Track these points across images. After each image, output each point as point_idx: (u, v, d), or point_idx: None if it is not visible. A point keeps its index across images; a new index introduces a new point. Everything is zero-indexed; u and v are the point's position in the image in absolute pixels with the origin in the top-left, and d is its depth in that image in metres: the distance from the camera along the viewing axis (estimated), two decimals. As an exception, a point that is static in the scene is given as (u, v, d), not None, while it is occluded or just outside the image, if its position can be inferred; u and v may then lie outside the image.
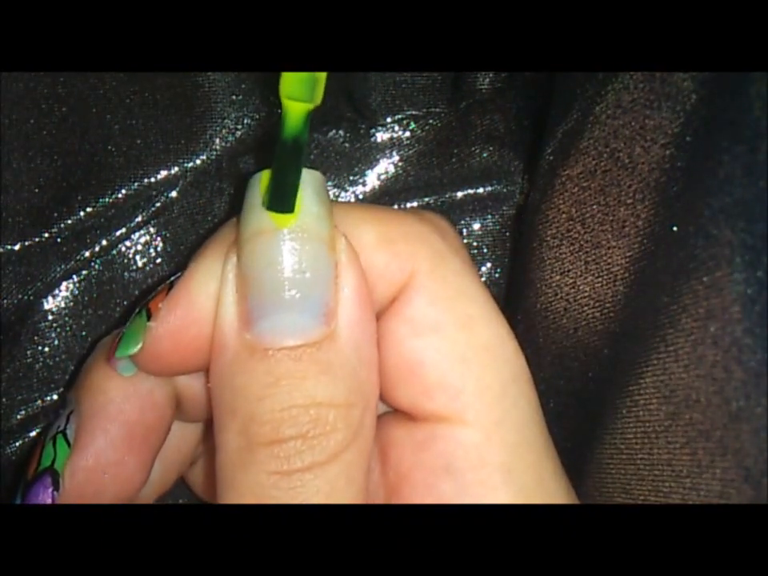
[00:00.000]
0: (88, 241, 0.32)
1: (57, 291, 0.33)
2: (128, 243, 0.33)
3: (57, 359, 0.33)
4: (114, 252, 0.33)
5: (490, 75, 0.33)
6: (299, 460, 0.21)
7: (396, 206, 0.34)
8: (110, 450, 0.25)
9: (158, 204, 0.33)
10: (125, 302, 0.33)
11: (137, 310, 0.25)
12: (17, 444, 0.33)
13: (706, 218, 0.22)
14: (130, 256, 0.33)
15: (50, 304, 0.33)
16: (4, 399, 0.33)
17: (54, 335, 0.33)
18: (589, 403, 0.28)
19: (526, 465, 0.23)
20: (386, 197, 0.34)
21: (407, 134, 0.34)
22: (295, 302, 0.22)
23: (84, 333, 0.33)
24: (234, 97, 0.32)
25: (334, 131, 0.34)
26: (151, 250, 0.33)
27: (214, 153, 0.33)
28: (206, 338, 0.23)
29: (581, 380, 0.28)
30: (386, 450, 0.24)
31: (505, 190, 0.34)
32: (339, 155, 0.34)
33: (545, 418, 0.24)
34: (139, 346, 0.24)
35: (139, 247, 0.33)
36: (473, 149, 0.34)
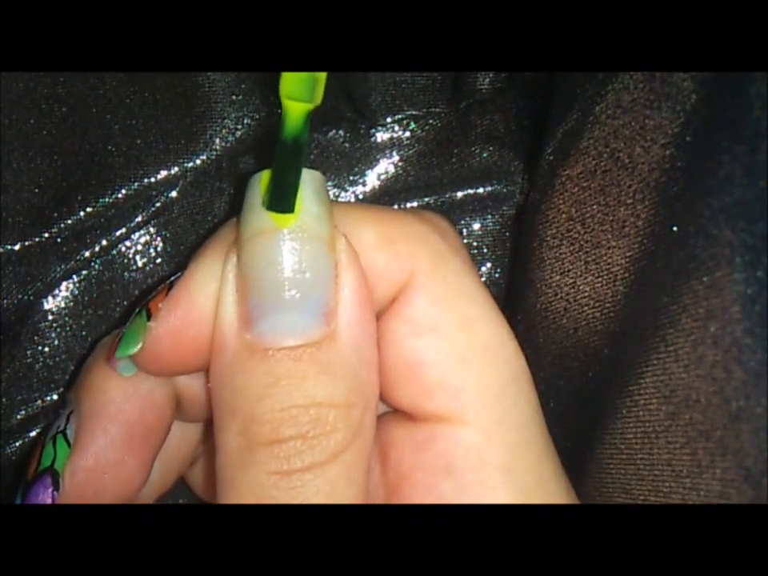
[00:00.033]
0: (88, 241, 0.32)
1: (57, 291, 0.33)
2: (128, 243, 0.33)
3: (57, 359, 0.33)
4: (114, 252, 0.33)
5: (490, 75, 0.33)
6: (299, 460, 0.21)
7: (396, 206, 0.34)
8: (110, 450, 0.25)
9: (158, 204, 0.33)
10: (125, 302, 0.33)
11: (137, 310, 0.25)
12: (17, 444, 0.33)
13: (706, 218, 0.22)
14: (130, 256, 0.33)
15: (49, 304, 0.33)
16: (4, 399, 0.33)
17: (54, 335, 0.33)
18: (589, 403, 0.28)
19: (526, 465, 0.23)
20: (386, 197, 0.34)
21: (407, 133, 0.34)
22: (295, 301, 0.22)
23: (84, 333, 0.33)
24: (233, 97, 0.32)
25: (333, 131, 0.34)
26: (151, 250, 0.33)
27: (214, 153, 0.33)
28: (206, 337, 0.23)
29: (581, 380, 0.28)
30: (386, 450, 0.24)
31: (505, 190, 0.34)
32: (339, 155, 0.34)
33: (545, 417, 0.24)
34: (139, 346, 0.24)
35: (139, 247, 0.33)
36: (473, 149, 0.34)
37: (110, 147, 0.32)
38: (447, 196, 0.34)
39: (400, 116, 0.33)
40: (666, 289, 0.23)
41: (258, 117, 0.33)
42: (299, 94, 0.20)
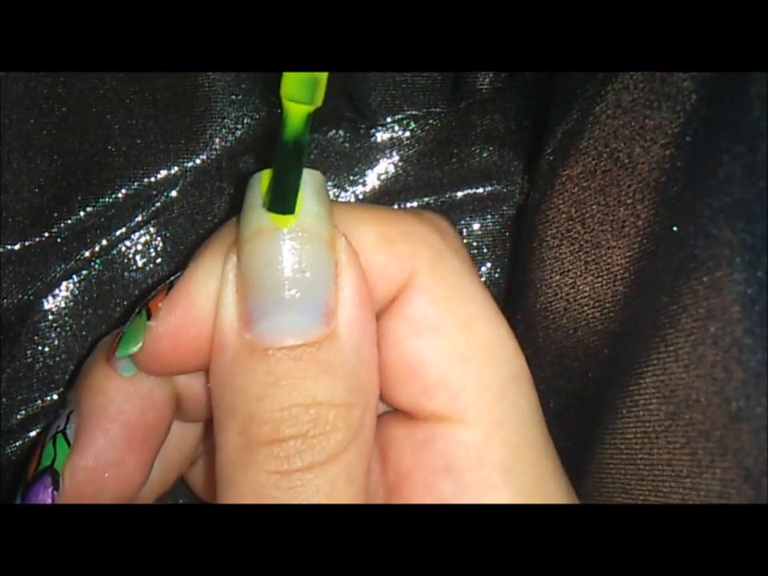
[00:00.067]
0: (88, 241, 0.32)
1: (57, 291, 0.33)
2: (128, 243, 0.33)
3: (57, 359, 0.33)
4: (114, 252, 0.33)
5: (490, 75, 0.33)
6: (299, 459, 0.21)
7: (396, 206, 0.34)
8: (110, 450, 0.25)
9: (158, 204, 0.33)
10: (125, 302, 0.33)
11: (137, 309, 0.25)
12: (17, 444, 0.33)
13: (706, 218, 0.22)
14: (130, 256, 0.33)
15: (50, 304, 0.33)
16: (4, 399, 0.33)
17: (54, 335, 0.33)
18: (589, 403, 0.28)
19: (526, 465, 0.23)
20: (385, 197, 0.34)
21: (407, 133, 0.34)
22: (295, 301, 0.22)
23: (84, 333, 0.33)
24: (233, 97, 0.32)
25: (334, 131, 0.34)
26: (151, 250, 0.33)
27: (214, 153, 0.33)
28: (206, 337, 0.23)
29: (581, 380, 0.28)
30: (386, 450, 0.24)
31: (505, 190, 0.34)
32: (339, 155, 0.34)
33: (545, 417, 0.24)
34: (139, 346, 0.24)
35: (139, 247, 0.33)
36: (473, 149, 0.34)
37: (110, 147, 0.32)
38: (447, 196, 0.34)
39: (400, 116, 0.34)
40: (666, 289, 0.23)
41: (257, 117, 0.33)
42: (300, 95, 0.20)
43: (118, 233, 0.33)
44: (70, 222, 0.32)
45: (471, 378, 0.23)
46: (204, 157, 0.33)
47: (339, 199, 0.34)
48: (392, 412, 0.25)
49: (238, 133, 0.33)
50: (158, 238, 0.33)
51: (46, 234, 0.32)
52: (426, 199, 0.34)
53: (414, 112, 0.34)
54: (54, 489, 0.25)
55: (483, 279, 0.34)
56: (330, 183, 0.34)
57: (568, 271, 0.28)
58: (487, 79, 0.33)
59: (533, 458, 0.23)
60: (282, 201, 0.22)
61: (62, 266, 0.32)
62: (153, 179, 0.32)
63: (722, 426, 0.21)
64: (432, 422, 0.23)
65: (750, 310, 0.20)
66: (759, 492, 0.20)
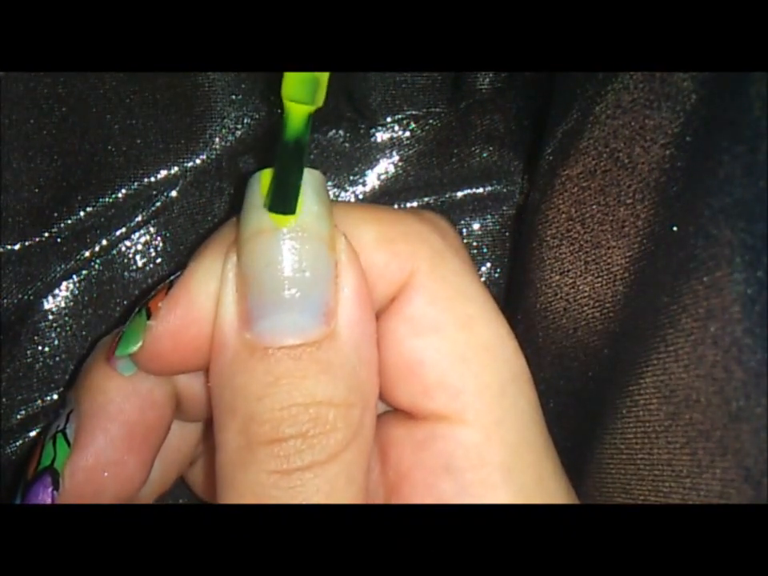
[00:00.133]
0: (88, 241, 0.32)
1: (57, 291, 0.33)
2: (128, 243, 0.33)
3: (57, 359, 0.33)
4: (114, 252, 0.33)
5: (490, 75, 0.33)
6: (299, 459, 0.21)
7: (396, 206, 0.34)
8: (110, 450, 0.25)
9: (158, 204, 0.33)
10: (125, 302, 0.33)
11: (137, 309, 0.25)
12: (17, 444, 0.33)
13: (706, 218, 0.22)
14: (130, 256, 0.33)
15: (50, 304, 0.33)
16: (4, 399, 0.33)
17: (54, 335, 0.33)
18: (589, 403, 0.28)
19: (526, 464, 0.23)
20: (385, 197, 0.34)
21: (407, 133, 0.34)
22: (295, 301, 0.22)
23: (84, 333, 0.33)
24: (233, 97, 0.32)
25: (334, 131, 0.34)
26: (151, 250, 0.33)
27: (214, 152, 0.33)
28: (206, 337, 0.23)
29: (581, 380, 0.28)
30: (386, 450, 0.24)
31: (505, 190, 0.34)
32: (339, 155, 0.34)
33: (545, 417, 0.24)
34: (139, 345, 0.24)
35: (139, 247, 0.33)
36: (473, 149, 0.34)
37: (110, 147, 0.32)
38: (447, 196, 0.34)
39: (400, 116, 0.34)
40: (666, 289, 0.23)
41: (257, 116, 0.33)
42: (301, 96, 0.20)
43: (118, 233, 0.33)
44: (70, 221, 0.32)
45: (471, 378, 0.23)
46: (204, 157, 0.33)
47: (339, 199, 0.34)
48: (392, 412, 0.25)
49: (238, 133, 0.33)
50: (158, 238, 0.33)
51: (46, 234, 0.32)
52: (426, 199, 0.34)
53: (414, 112, 0.34)
54: (54, 489, 0.25)
55: (483, 279, 0.34)
56: (330, 183, 0.34)
57: (568, 271, 0.28)
58: (487, 79, 0.33)
59: (533, 457, 0.23)
60: (283, 201, 0.22)
61: (62, 266, 0.32)
62: (153, 179, 0.32)
63: (722, 426, 0.21)
64: (432, 422, 0.23)
65: (750, 310, 0.20)
66: (759, 492, 0.20)
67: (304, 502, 0.21)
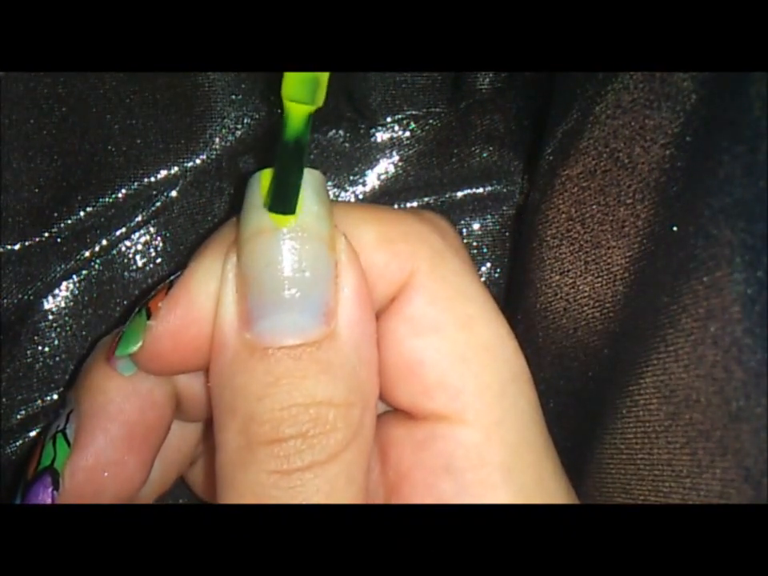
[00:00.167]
0: (88, 241, 0.32)
1: (57, 291, 0.33)
2: (128, 243, 0.33)
3: (57, 359, 0.33)
4: (114, 252, 0.33)
5: (490, 75, 0.33)
6: (299, 459, 0.21)
7: (396, 206, 0.34)
8: (110, 450, 0.25)
9: (158, 204, 0.33)
10: (125, 302, 0.33)
11: (137, 309, 0.25)
12: (17, 444, 0.33)
13: (706, 218, 0.22)
14: (130, 256, 0.33)
15: (50, 304, 0.33)
16: (4, 399, 0.33)
17: (54, 335, 0.33)
18: (589, 403, 0.28)
19: (526, 464, 0.23)
20: (385, 197, 0.34)
21: (407, 133, 0.34)
22: (295, 301, 0.22)
23: (84, 333, 0.33)
24: (233, 96, 0.32)
25: (334, 131, 0.34)
26: (151, 250, 0.33)
27: (214, 152, 0.33)
28: (206, 337, 0.23)
29: (581, 380, 0.28)
30: (386, 450, 0.24)
31: (505, 190, 0.34)
32: (339, 155, 0.34)
33: (545, 417, 0.24)
34: (139, 345, 0.24)
35: (139, 247, 0.33)
36: (473, 149, 0.34)
37: (110, 147, 0.32)
38: (447, 196, 0.34)
39: (400, 116, 0.34)
40: (666, 289, 0.23)
41: (257, 116, 0.33)
42: (301, 95, 0.20)
43: (118, 233, 0.33)
44: (70, 221, 0.32)
45: (471, 378, 0.23)
46: (204, 157, 0.33)
47: (339, 199, 0.34)
48: (392, 412, 0.25)
49: (238, 133, 0.33)
50: (158, 238, 0.33)
51: (46, 234, 0.32)
52: (426, 199, 0.34)
53: (414, 112, 0.34)
54: (54, 489, 0.25)
55: (483, 279, 0.34)
56: (330, 183, 0.34)
57: (568, 271, 0.28)
58: (487, 79, 0.33)
59: (532, 457, 0.23)
60: (283, 201, 0.22)
61: (62, 266, 0.32)
62: (153, 179, 0.32)
63: (721, 426, 0.21)
64: (432, 422, 0.23)
65: (750, 310, 0.20)
66: (759, 492, 0.20)
67: (304, 502, 0.21)
